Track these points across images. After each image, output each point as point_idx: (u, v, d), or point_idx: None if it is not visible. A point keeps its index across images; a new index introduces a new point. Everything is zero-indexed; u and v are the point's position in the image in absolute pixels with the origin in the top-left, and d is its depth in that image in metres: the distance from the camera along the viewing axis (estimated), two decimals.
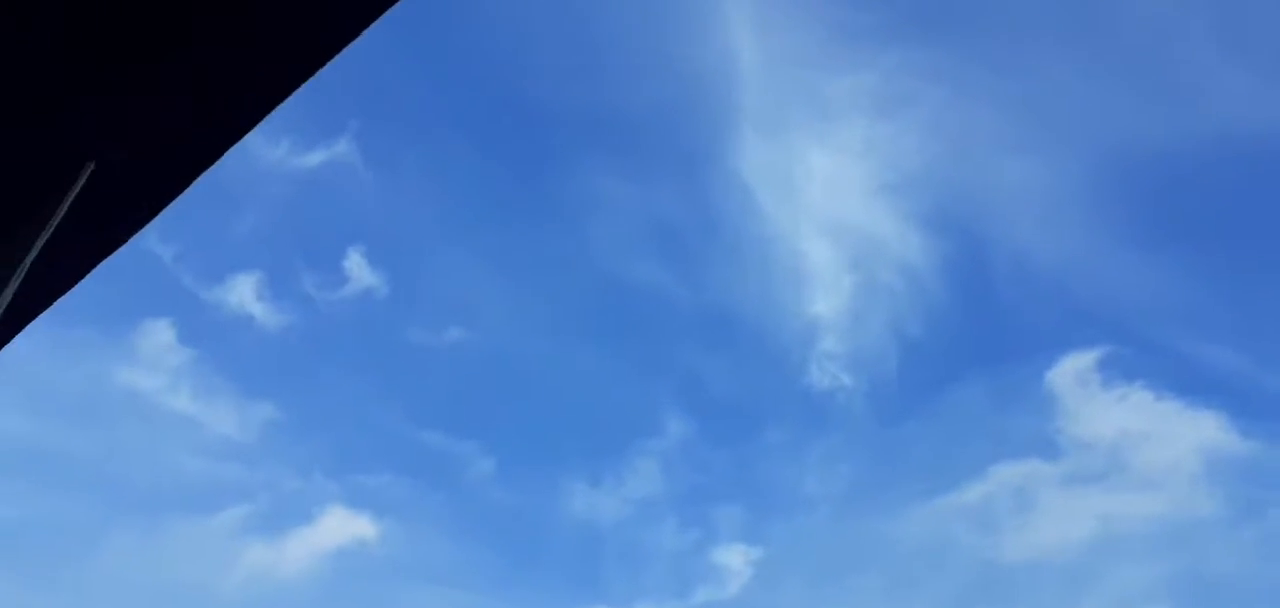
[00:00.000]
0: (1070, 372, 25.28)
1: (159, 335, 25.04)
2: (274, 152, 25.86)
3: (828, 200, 27.60)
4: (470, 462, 25.33)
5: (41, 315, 3.02)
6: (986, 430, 25.74)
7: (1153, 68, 26.38)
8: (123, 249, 2.95)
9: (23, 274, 2.57)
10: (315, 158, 26.13)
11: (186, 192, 2.86)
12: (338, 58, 2.71)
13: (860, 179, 27.54)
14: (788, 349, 26.61)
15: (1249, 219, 26.13)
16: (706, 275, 27.53)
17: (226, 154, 2.84)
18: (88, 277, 2.98)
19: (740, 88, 27.27)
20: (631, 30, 27.80)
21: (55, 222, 2.64)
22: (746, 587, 24.35)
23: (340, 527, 23.31)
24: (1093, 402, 25.04)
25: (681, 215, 27.80)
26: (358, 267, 25.72)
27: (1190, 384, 24.77)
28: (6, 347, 3.05)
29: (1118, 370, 25.01)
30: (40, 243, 2.61)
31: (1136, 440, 24.84)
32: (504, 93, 27.70)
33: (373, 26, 2.63)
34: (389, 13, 2.59)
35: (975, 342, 26.46)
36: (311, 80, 2.80)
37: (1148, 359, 25.20)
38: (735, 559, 24.67)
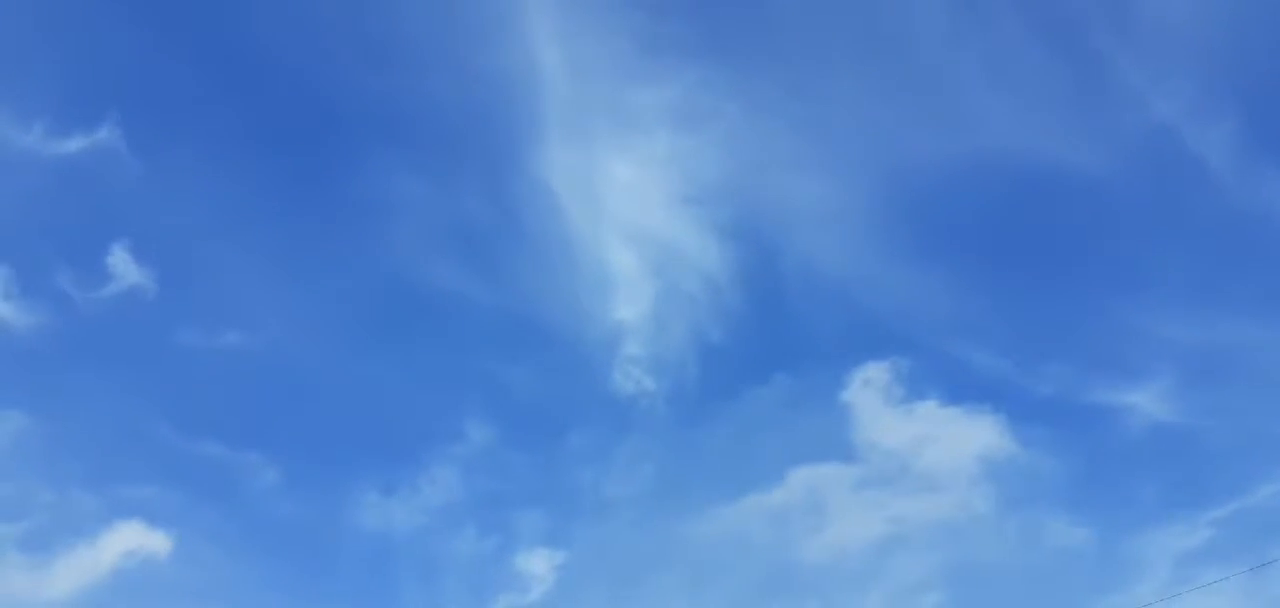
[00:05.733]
0: (864, 380, 26.35)
1: None
2: (25, 136, 24.20)
3: (631, 209, 27.92)
4: (252, 473, 24.48)
5: None
6: (784, 435, 26.54)
7: (932, 95, 27.65)
8: None
9: None
10: (74, 144, 24.58)
11: None
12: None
13: (662, 190, 27.96)
14: (591, 354, 26.83)
15: (1013, 235, 27.77)
16: (509, 280, 27.46)
17: None
18: None
19: (544, 94, 27.26)
20: (429, 29, 27.39)
21: None
22: (549, 592, 24.45)
23: (109, 545, 22.24)
24: (885, 409, 26.17)
25: (484, 219, 27.60)
26: (122, 263, 24.35)
27: (968, 391, 26.11)
28: None
29: (907, 379, 26.18)
30: None
31: (923, 446, 26.09)
32: (290, 84, 26.74)
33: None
34: None
35: (772, 349, 27.25)
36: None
37: (932, 368, 26.47)
38: (538, 564, 24.76)
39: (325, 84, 27.27)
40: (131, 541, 22.54)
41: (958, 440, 25.60)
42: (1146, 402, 25.27)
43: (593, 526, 25.84)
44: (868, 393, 25.95)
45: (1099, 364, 26.10)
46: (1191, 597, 20.36)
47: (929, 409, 25.96)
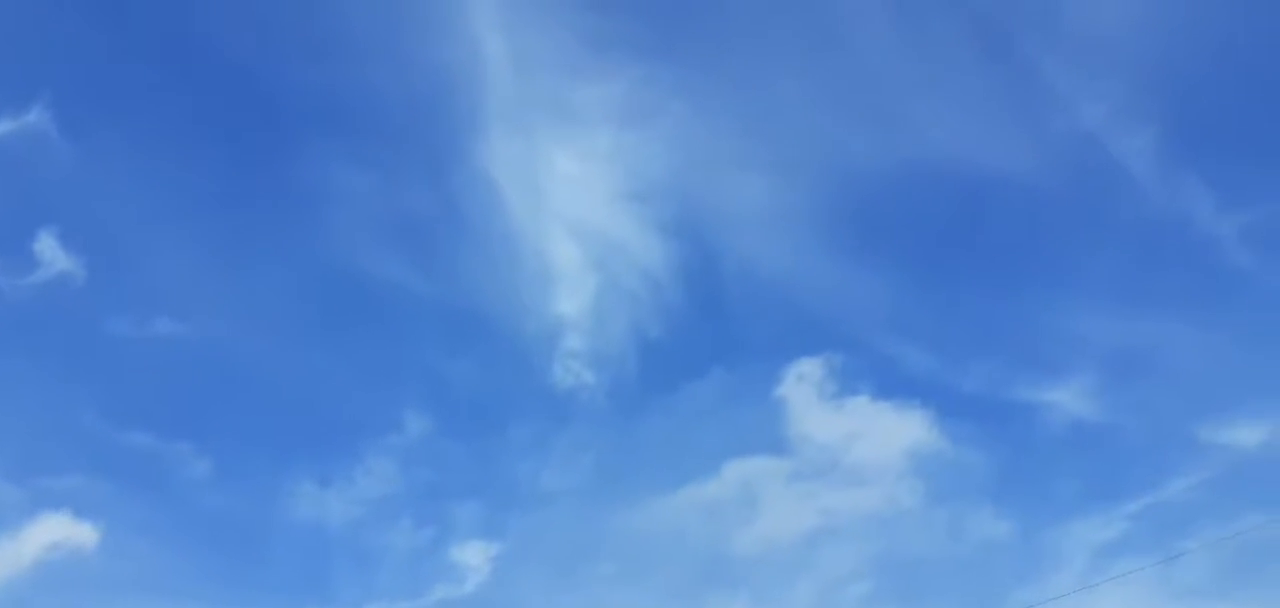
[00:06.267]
0: (798, 376, 26.89)
1: None
2: None
3: (573, 203, 28.11)
4: (183, 463, 24.20)
5: None
6: (720, 429, 26.93)
7: (873, 97, 28.28)
8: None
9: None
10: (1, 127, 24.14)
11: None
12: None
13: (605, 185, 28.19)
14: (531, 347, 26.98)
15: (945, 236, 28.59)
16: (449, 272, 27.46)
17: None
18: None
19: (487, 87, 27.29)
20: (372, 19, 27.26)
21: None
22: (485, 582, 24.60)
23: (32, 537, 21.77)
24: (817, 404, 26.75)
25: (424, 211, 27.56)
26: (50, 250, 23.91)
27: (898, 387, 26.77)
28: None
29: (840, 375, 26.78)
30: None
31: (854, 440, 26.71)
32: (229, 72, 26.38)
33: None
34: None
35: (710, 345, 27.67)
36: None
37: (864, 364, 27.10)
38: (473, 555, 24.88)
39: (264, 71, 26.96)
40: (57, 532, 22.19)
41: (887, 435, 26.29)
42: (1068, 399, 26.20)
43: (529, 517, 26.01)
44: (801, 388, 26.51)
45: (1024, 362, 26.98)
46: (1106, 588, 21.24)
47: (860, 404, 26.60)
